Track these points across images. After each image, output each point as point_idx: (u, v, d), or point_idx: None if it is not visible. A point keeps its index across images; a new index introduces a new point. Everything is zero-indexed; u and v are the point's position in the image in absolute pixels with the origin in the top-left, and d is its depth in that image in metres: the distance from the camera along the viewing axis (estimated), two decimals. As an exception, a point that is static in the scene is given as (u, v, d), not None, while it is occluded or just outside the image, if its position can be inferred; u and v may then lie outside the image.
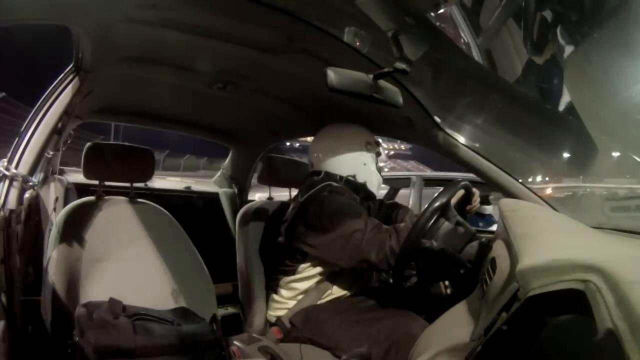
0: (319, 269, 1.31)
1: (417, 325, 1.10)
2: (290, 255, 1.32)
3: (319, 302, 1.31)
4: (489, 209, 3.03)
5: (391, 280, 1.17)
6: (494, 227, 2.18)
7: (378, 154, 1.45)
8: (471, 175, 1.29)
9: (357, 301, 1.32)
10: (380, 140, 1.48)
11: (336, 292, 1.33)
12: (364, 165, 1.40)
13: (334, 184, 1.32)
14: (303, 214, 1.27)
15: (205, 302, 1.30)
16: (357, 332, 1.16)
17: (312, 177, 1.40)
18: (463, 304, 0.88)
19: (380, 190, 1.51)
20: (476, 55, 1.22)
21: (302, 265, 1.32)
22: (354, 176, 1.38)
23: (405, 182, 3.53)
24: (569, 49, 1.06)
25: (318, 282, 1.32)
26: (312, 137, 1.50)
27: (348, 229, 1.18)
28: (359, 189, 1.37)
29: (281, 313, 1.35)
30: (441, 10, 0.96)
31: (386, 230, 1.17)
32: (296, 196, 1.39)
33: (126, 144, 1.34)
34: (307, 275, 1.32)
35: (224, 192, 2.14)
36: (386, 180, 3.70)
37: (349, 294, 1.34)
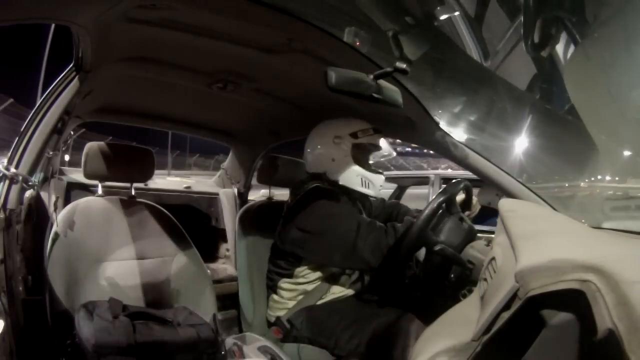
0: (317, 273, 1.31)
1: (415, 325, 1.10)
2: (286, 258, 1.32)
3: (318, 302, 1.31)
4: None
5: (390, 281, 1.17)
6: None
7: (373, 147, 1.36)
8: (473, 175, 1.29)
9: (356, 301, 1.33)
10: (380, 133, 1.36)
11: (335, 292, 1.33)
12: (332, 161, 1.32)
13: (321, 185, 1.31)
14: (294, 218, 1.27)
15: (205, 302, 1.30)
16: (356, 332, 1.16)
17: (301, 180, 1.38)
18: (463, 304, 0.88)
19: (383, 190, 1.45)
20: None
21: (299, 269, 1.32)
22: (324, 173, 1.34)
23: (412, 181, 3.52)
24: (569, 49, 1.06)
25: (317, 283, 1.32)
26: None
27: (339, 230, 1.17)
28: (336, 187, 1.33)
29: (281, 313, 1.35)
30: (445, 16, 0.95)
31: (380, 228, 1.15)
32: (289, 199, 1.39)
33: (126, 143, 1.34)
34: (304, 279, 1.32)
35: (224, 192, 2.14)
36: (392, 179, 3.69)
37: (348, 294, 1.34)
